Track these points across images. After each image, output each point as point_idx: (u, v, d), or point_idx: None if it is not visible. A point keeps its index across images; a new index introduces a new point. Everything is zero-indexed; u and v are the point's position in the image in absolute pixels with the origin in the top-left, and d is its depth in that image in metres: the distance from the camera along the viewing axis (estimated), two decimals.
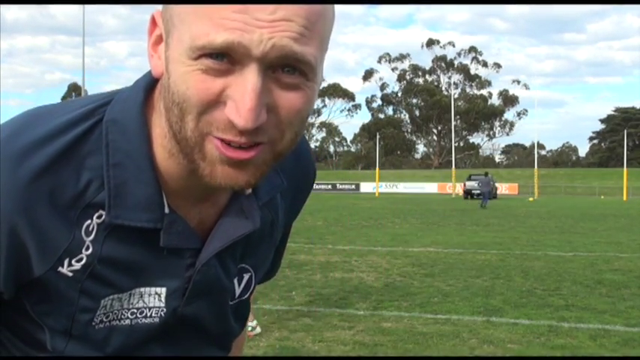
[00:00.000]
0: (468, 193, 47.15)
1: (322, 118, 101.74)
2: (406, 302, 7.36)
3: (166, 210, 0.84)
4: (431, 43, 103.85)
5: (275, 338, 5.68)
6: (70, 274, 0.81)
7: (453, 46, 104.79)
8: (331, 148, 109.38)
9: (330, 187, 66.66)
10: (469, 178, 48.48)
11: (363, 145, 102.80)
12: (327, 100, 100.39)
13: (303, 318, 6.49)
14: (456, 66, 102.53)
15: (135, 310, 0.86)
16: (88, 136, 0.82)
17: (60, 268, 0.81)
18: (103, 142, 0.82)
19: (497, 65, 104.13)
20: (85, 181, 0.81)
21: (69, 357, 0.87)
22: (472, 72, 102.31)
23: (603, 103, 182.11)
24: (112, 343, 0.86)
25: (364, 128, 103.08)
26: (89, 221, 0.81)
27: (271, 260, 1.09)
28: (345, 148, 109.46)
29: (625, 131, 65.19)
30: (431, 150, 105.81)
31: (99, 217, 0.81)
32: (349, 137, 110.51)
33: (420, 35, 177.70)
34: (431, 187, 64.06)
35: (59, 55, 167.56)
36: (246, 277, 0.97)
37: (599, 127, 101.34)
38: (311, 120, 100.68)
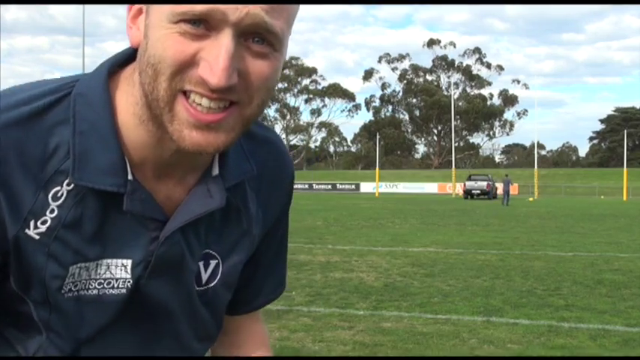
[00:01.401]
0: (468, 193, 47.16)
1: (322, 118, 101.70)
2: (406, 302, 7.36)
3: (130, 177, 0.87)
4: (432, 43, 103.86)
5: (275, 338, 5.68)
6: (37, 237, 0.84)
7: (454, 46, 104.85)
8: (331, 148, 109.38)
9: (330, 187, 66.65)
10: (469, 178, 48.50)
11: (363, 145, 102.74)
12: (327, 100, 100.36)
13: (303, 318, 6.49)
14: (456, 66, 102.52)
15: (102, 281, 0.89)
16: (57, 105, 0.87)
17: (27, 230, 0.84)
18: (70, 113, 0.86)
19: (500, 67, 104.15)
20: (53, 146, 0.85)
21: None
22: (474, 72, 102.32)
23: (603, 103, 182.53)
24: (83, 315, 0.89)
25: (364, 128, 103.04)
26: (58, 187, 0.85)
27: (271, 271, 1.11)
28: (345, 148, 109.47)
29: (625, 131, 65.22)
30: (431, 150, 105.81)
31: (68, 184, 0.85)
32: (349, 137, 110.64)
33: (418, 35, 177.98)
34: (431, 187, 64.05)
35: (59, 55, 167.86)
36: (212, 263, 0.98)
37: (599, 127, 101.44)
38: (311, 120, 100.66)
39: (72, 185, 0.85)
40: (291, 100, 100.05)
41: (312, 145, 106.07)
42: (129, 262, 0.89)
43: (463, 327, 6.22)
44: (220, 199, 0.92)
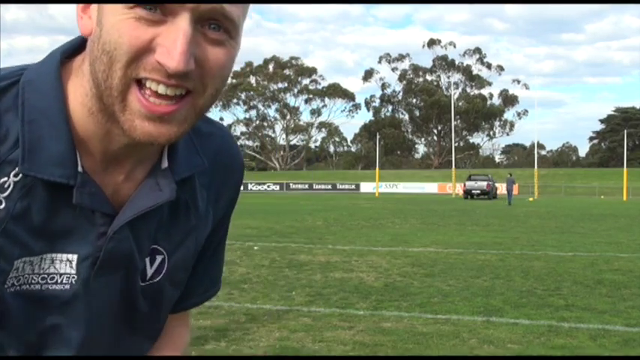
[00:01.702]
0: (468, 193, 47.16)
1: (322, 118, 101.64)
2: (406, 302, 7.36)
3: (80, 169, 0.85)
4: (432, 43, 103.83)
5: (275, 338, 5.68)
6: None
7: (454, 46, 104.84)
8: (331, 148, 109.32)
9: (330, 187, 66.63)
10: (469, 178, 48.50)
11: (363, 145, 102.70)
12: (327, 100, 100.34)
13: (303, 318, 6.48)
14: (457, 66, 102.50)
15: (45, 276, 0.86)
16: (5, 94, 0.84)
17: None
18: (19, 100, 0.84)
19: (500, 68, 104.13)
20: (2, 136, 0.82)
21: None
22: (474, 72, 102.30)
23: (602, 103, 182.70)
24: (25, 310, 0.86)
25: (364, 128, 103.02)
26: (5, 178, 0.83)
27: (207, 271, 1.08)
28: (345, 148, 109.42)
29: (625, 131, 65.23)
30: (431, 150, 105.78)
31: (15, 175, 0.83)
32: (349, 137, 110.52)
33: (418, 35, 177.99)
34: (431, 187, 64.04)
35: None
36: (158, 259, 0.96)
37: (599, 127, 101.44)
38: (311, 120, 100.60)
39: (19, 176, 0.83)
40: (291, 100, 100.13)
41: (312, 145, 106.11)
42: (74, 258, 0.87)
43: (463, 327, 6.22)
44: (170, 192, 0.90)
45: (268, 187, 65.95)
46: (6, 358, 0.89)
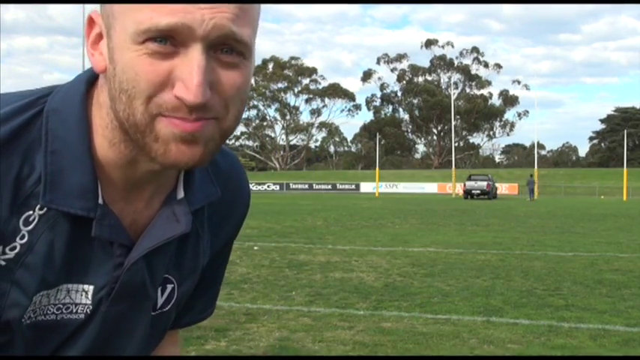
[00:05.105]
0: (468, 193, 47.16)
1: (322, 118, 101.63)
2: (406, 302, 7.36)
3: (100, 201, 0.85)
4: (430, 43, 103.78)
5: (275, 338, 5.68)
6: (3, 263, 0.82)
7: (452, 46, 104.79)
8: (331, 148, 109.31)
9: (330, 187, 66.61)
10: (469, 178, 48.50)
11: (363, 145, 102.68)
12: (327, 100, 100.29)
13: (303, 318, 6.48)
14: (456, 66, 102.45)
15: (61, 306, 0.87)
16: (31, 126, 0.83)
17: None
18: (43, 130, 0.83)
19: (498, 66, 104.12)
20: (28, 169, 0.82)
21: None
22: (472, 72, 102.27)
23: (601, 103, 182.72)
24: (37, 339, 0.86)
25: (364, 128, 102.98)
26: (30, 212, 0.82)
27: (204, 292, 1.08)
28: (345, 148, 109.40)
29: (625, 131, 65.21)
30: (431, 150, 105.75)
31: (40, 208, 0.83)
32: (349, 137, 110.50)
33: (416, 36, 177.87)
34: (431, 187, 64.02)
35: (58, 55, 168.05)
36: (169, 288, 0.97)
37: (599, 127, 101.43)
38: (311, 120, 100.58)
39: (44, 209, 0.82)
40: (291, 100, 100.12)
41: (312, 145, 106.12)
42: (90, 289, 0.87)
43: (463, 327, 6.22)
44: (186, 224, 0.90)
45: (268, 187, 65.93)
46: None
